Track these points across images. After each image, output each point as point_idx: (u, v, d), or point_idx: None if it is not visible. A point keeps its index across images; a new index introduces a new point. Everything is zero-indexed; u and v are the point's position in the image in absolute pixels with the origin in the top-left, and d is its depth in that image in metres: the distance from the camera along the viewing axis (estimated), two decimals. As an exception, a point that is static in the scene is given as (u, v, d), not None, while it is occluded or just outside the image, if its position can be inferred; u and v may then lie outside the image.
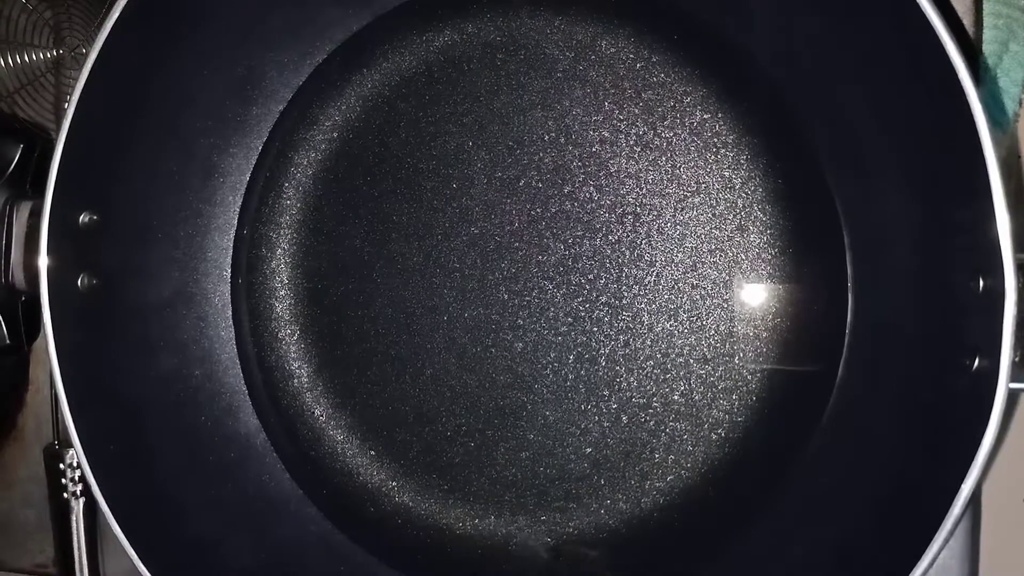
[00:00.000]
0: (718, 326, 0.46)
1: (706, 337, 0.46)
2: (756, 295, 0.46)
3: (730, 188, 0.46)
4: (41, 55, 0.57)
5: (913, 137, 0.39)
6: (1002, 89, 0.47)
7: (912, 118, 0.39)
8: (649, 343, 0.47)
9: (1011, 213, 0.34)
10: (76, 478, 0.51)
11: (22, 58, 0.56)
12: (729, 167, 0.46)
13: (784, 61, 0.44)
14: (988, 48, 0.46)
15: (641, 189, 0.47)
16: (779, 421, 0.46)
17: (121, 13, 0.41)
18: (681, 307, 0.47)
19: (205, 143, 0.49)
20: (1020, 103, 0.47)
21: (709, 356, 0.46)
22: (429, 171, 0.49)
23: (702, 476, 0.46)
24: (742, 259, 0.46)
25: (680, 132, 0.47)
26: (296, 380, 0.50)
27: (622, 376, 0.47)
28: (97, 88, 0.42)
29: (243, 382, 0.50)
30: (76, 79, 0.42)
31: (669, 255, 0.47)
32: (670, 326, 0.47)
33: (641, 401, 0.47)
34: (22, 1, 0.56)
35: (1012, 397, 0.34)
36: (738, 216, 0.46)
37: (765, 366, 0.46)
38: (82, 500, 0.51)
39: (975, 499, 0.44)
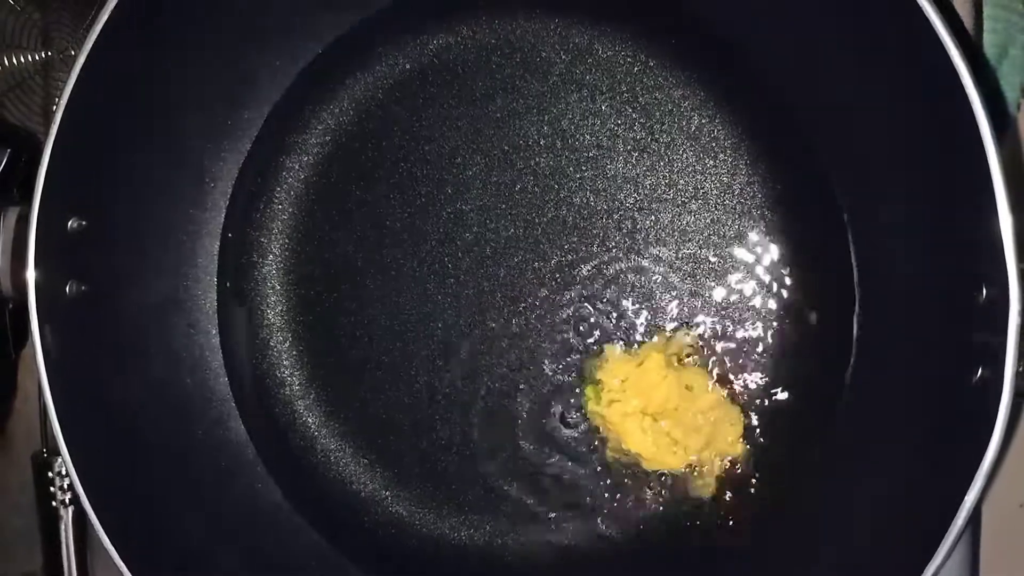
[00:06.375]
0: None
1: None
2: (757, 303, 0.46)
3: (729, 193, 0.46)
4: (29, 57, 0.56)
5: (915, 142, 0.39)
6: (1002, 93, 0.47)
7: (914, 122, 0.39)
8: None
9: (1014, 218, 0.33)
10: (65, 486, 0.50)
11: (10, 60, 0.56)
12: (728, 172, 0.46)
13: (783, 65, 0.44)
14: (988, 52, 0.46)
15: (638, 194, 0.47)
16: (782, 432, 0.45)
17: (110, 15, 0.41)
18: (680, 314, 0.46)
19: (196, 147, 0.49)
20: (1019, 107, 0.46)
21: (708, 364, 0.46)
22: (423, 176, 0.48)
23: (702, 486, 0.46)
24: (742, 267, 0.46)
25: (678, 136, 0.46)
26: (288, 388, 0.50)
27: (620, 384, 0.47)
28: (86, 91, 0.42)
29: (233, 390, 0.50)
30: (65, 82, 0.42)
31: (667, 261, 0.46)
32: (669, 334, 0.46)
33: (639, 409, 0.46)
34: (10, 2, 0.56)
35: (1016, 408, 0.33)
36: (737, 222, 0.46)
37: (767, 378, 0.46)
38: (71, 508, 0.50)
39: (976, 507, 0.44)
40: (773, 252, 0.46)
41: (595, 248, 0.47)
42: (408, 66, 0.49)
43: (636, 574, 0.47)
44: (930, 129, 0.37)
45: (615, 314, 0.47)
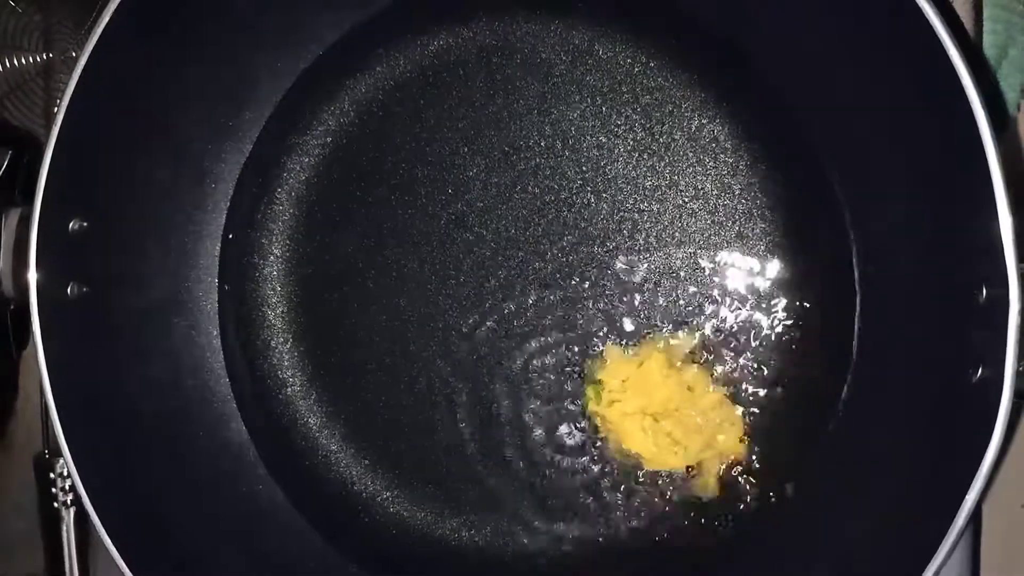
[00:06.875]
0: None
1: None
2: (758, 303, 0.46)
3: (729, 194, 0.46)
4: (30, 59, 0.56)
5: (915, 142, 0.39)
6: (1002, 93, 0.47)
7: (914, 122, 0.39)
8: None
9: (1014, 218, 0.34)
10: (66, 488, 0.50)
11: (11, 62, 0.56)
12: (728, 173, 0.46)
13: (783, 65, 0.44)
14: (988, 52, 0.46)
15: (638, 195, 0.47)
16: (782, 432, 0.45)
17: (111, 17, 0.41)
18: (680, 315, 0.46)
19: (197, 148, 0.49)
20: (1019, 107, 0.46)
21: (708, 365, 0.46)
22: (424, 177, 0.48)
23: (702, 487, 0.46)
24: (742, 267, 0.46)
25: (678, 137, 0.46)
26: (289, 389, 0.50)
27: (620, 385, 0.47)
28: (87, 93, 0.42)
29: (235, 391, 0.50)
30: (66, 83, 0.42)
31: (667, 262, 0.46)
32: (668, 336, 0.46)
33: (639, 410, 0.46)
34: (11, 4, 0.56)
35: (1016, 407, 0.33)
36: (738, 223, 0.46)
37: (768, 379, 0.46)
38: (72, 509, 0.50)
39: (976, 507, 0.44)
40: (773, 252, 0.46)
41: (595, 249, 0.47)
42: (408, 67, 0.49)
43: (637, 574, 0.47)
44: (930, 129, 0.37)
45: (616, 314, 0.47)
